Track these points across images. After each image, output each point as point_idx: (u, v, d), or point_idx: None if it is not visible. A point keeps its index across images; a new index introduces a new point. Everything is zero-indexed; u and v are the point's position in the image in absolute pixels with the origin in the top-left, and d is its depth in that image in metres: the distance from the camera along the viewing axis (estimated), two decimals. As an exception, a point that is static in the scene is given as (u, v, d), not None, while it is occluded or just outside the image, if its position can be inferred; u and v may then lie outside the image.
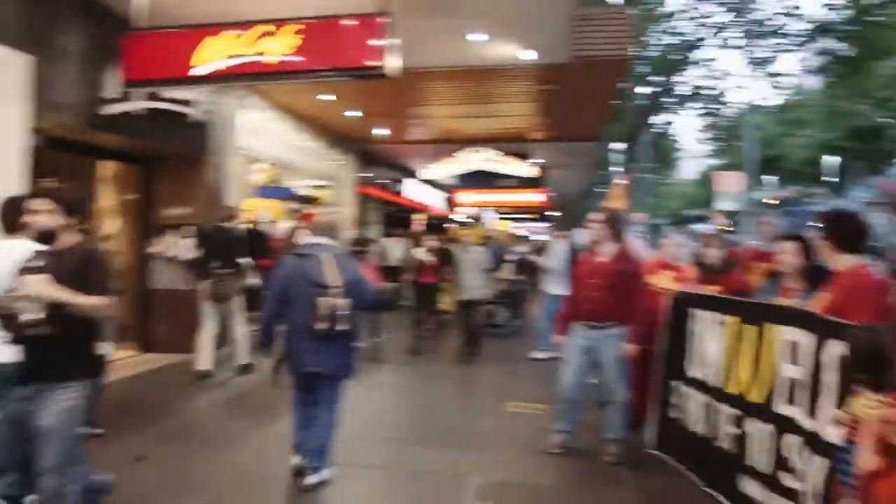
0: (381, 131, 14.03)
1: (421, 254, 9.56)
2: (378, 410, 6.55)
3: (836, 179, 37.43)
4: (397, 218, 21.27)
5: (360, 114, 12.25)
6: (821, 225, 3.56)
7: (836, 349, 3.10)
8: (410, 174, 20.03)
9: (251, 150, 10.73)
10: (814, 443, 3.23)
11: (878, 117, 31.06)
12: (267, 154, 11.37)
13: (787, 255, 4.01)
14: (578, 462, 5.04)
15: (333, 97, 10.90)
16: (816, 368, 3.26)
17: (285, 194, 12.40)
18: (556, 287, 9.24)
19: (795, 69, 21.88)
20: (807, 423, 3.31)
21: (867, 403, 2.52)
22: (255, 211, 10.70)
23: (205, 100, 8.29)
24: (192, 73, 6.16)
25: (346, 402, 4.63)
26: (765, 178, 42.77)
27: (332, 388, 4.51)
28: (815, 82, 26.39)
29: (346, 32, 5.81)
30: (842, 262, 3.45)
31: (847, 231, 3.50)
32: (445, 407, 6.70)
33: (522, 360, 9.01)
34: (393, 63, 5.82)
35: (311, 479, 4.42)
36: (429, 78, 9.72)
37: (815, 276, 3.82)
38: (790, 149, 38.22)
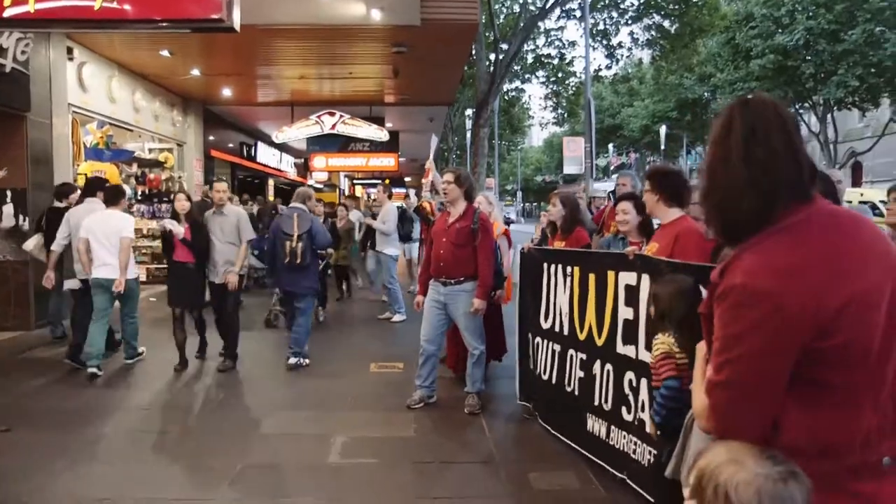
0: (227, 92, 13.45)
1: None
2: (245, 378, 6.47)
3: (666, 147, 40.78)
4: (250, 184, 20.63)
5: (199, 73, 11.66)
6: (649, 182, 3.91)
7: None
8: (262, 137, 19.40)
9: (84, 109, 9.94)
10: (648, 375, 3.59)
11: (701, 90, 34.03)
12: (102, 113, 10.56)
13: (626, 214, 4.40)
14: (439, 414, 5.26)
15: (172, 53, 10.29)
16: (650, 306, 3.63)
17: (124, 157, 11.62)
18: (390, 248, 9.51)
19: (629, 42, 23.55)
20: (645, 357, 3.65)
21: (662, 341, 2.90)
22: (89, 175, 9.95)
23: (19, 48, 7.55)
24: (-5, 15, 5.42)
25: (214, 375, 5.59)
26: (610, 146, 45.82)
27: (302, 301, 6.75)
28: (646, 56, 28.32)
29: (183, -19, 5.51)
30: (668, 214, 3.84)
31: (672, 186, 3.88)
32: (309, 372, 6.70)
33: (382, 322, 9.21)
34: (235, 16, 5.61)
35: (291, 361, 6.68)
36: (276, 35, 9.45)
37: (651, 229, 4.25)
38: (627, 118, 41.01)
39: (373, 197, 33.62)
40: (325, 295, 9.35)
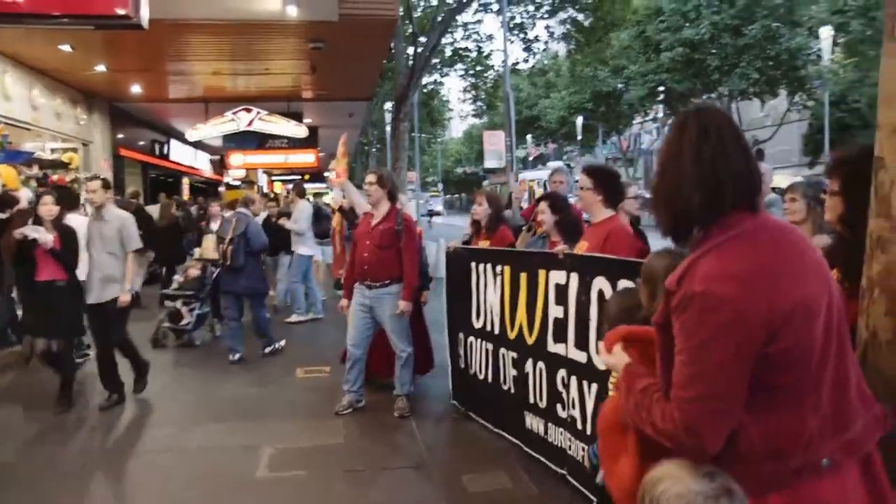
0: (135, 88, 12.85)
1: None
2: (167, 392, 6.16)
3: (583, 137, 41.82)
4: (163, 182, 19.82)
5: (104, 68, 11.05)
6: (592, 180, 3.89)
7: (598, 286, 3.50)
8: (175, 135, 18.66)
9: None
10: (582, 373, 3.64)
11: (615, 83, 35.04)
12: (-5, 112, 9.88)
13: (542, 214, 4.45)
14: (368, 419, 5.18)
15: (73, 48, 9.72)
16: (581, 305, 3.66)
17: (22, 158, 10.90)
18: (304, 248, 9.27)
19: (545, 36, 23.94)
20: (574, 355, 3.72)
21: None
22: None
23: None
24: None
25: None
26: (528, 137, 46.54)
27: (250, 299, 7.26)
28: (562, 49, 28.87)
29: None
30: (602, 213, 3.89)
31: (613, 187, 3.95)
32: (233, 379, 6.50)
33: (308, 325, 9.03)
34: (143, 12, 5.35)
35: (264, 349, 7.27)
36: (187, 31, 9.08)
37: (569, 228, 4.31)
38: (544, 109, 41.78)
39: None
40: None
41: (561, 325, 3.90)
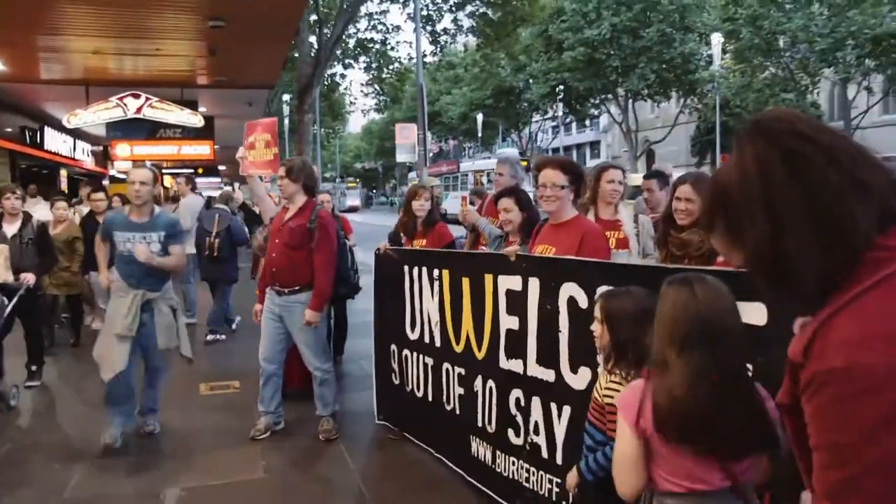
0: None
1: None
2: (39, 418, 5.21)
3: (483, 134, 41.99)
4: (36, 174, 17.93)
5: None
6: (568, 177, 3.41)
7: (568, 293, 3.04)
8: (51, 121, 16.86)
9: None
10: (548, 393, 3.17)
11: (516, 80, 35.35)
12: None
13: (509, 213, 3.95)
14: (291, 444, 4.50)
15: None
16: (546, 315, 3.18)
17: None
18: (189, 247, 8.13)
19: (451, 29, 23.62)
20: (537, 373, 3.24)
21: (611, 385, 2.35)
22: None
23: None
24: None
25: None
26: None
27: (224, 286, 7.75)
28: (471, 42, 28.71)
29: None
30: (569, 212, 3.44)
31: (581, 183, 3.53)
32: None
33: (200, 329, 8.13)
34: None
35: (208, 337, 7.50)
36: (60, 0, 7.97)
37: (530, 228, 3.84)
38: (446, 105, 41.61)
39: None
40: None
41: (516, 337, 3.42)
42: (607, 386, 2.33)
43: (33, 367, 5.95)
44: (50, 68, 11.83)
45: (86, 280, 7.34)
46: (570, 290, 3.05)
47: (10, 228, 5.72)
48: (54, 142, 17.78)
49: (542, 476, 3.21)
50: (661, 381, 1.85)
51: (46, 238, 5.93)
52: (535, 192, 3.53)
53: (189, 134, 14.51)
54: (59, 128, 16.65)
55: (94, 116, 12.26)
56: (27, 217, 5.84)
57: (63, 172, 19.78)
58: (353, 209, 50.28)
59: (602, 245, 3.28)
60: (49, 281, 6.81)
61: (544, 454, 3.20)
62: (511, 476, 3.45)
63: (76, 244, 7.09)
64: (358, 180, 69.15)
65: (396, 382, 4.60)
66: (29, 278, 5.36)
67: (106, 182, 22.63)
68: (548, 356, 3.18)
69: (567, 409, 3.05)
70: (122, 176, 22.09)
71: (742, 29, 23.02)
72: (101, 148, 20.45)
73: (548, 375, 3.18)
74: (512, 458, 3.44)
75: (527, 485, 3.31)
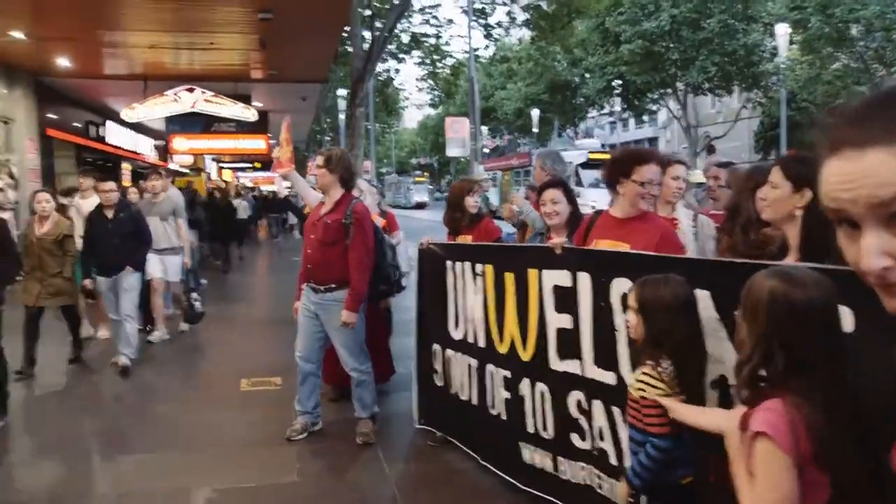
0: (64, 61, 11.64)
1: None
2: (81, 411, 5.21)
3: (538, 130, 41.36)
4: (100, 168, 18.45)
5: (22, 35, 9.85)
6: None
7: (619, 289, 2.80)
8: (113, 116, 17.32)
9: None
10: (610, 396, 2.94)
11: (571, 75, 34.74)
12: None
13: (557, 204, 3.74)
14: (327, 447, 4.34)
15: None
16: (600, 313, 2.96)
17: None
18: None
19: (505, 22, 23.27)
20: (595, 375, 3.01)
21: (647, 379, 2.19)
22: None
23: None
24: None
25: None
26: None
27: None
28: (525, 36, 28.31)
29: None
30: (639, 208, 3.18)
31: None
32: (164, 394, 5.57)
33: (250, 321, 8.14)
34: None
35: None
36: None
37: (576, 223, 3.61)
38: (500, 101, 41.19)
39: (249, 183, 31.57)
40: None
41: (569, 336, 3.18)
42: (640, 378, 2.18)
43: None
44: (111, 64, 12.11)
45: (86, 286, 6.22)
46: (620, 285, 2.82)
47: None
48: (117, 136, 18.26)
49: (613, 484, 2.96)
50: (812, 400, 1.51)
51: (6, 236, 4.84)
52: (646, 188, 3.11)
53: (244, 128, 14.65)
54: (121, 122, 17.10)
55: (151, 111, 12.50)
56: None
57: (126, 166, 20.31)
58: (420, 205, 46.23)
59: (681, 246, 3.02)
60: (38, 290, 5.91)
61: (612, 460, 2.96)
62: (582, 482, 3.19)
63: (67, 243, 6.09)
64: (427, 174, 65.92)
65: (439, 384, 4.38)
66: None
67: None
68: (606, 357, 2.94)
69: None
70: (183, 169, 22.70)
71: (811, 17, 21.93)
72: (163, 142, 20.97)
73: (607, 378, 2.96)
74: (581, 464, 3.19)
75: (600, 492, 3.07)
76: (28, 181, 11.78)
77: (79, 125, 15.88)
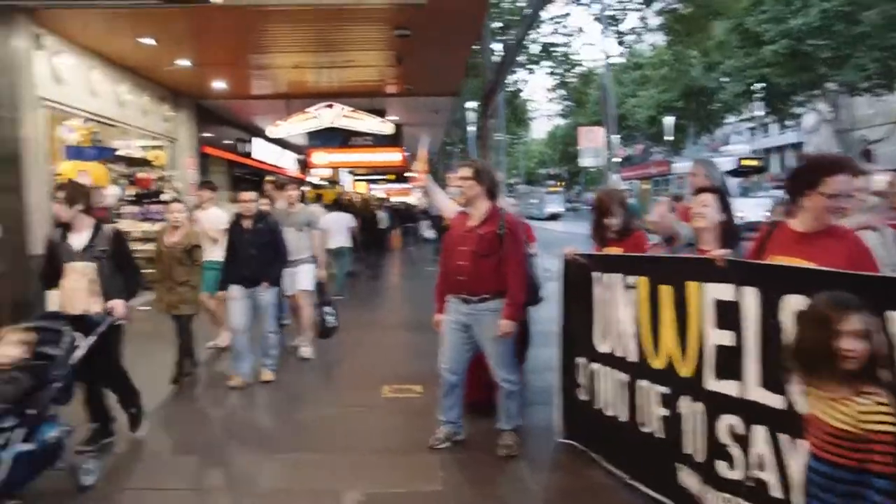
0: (219, 84, 12.60)
1: None
2: (234, 408, 5.54)
3: (672, 138, 39.75)
4: (246, 181, 19.78)
5: (188, 63, 10.80)
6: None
7: (793, 306, 2.62)
8: (258, 133, 18.54)
9: (60, 103, 9.07)
10: (776, 422, 2.75)
11: (707, 80, 33.11)
12: (81, 108, 9.70)
13: (707, 209, 3.55)
14: (469, 457, 4.31)
15: (153, 41, 9.41)
16: (770, 331, 2.77)
17: (106, 155, 10.76)
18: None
19: (639, 28, 22.55)
20: (759, 397, 2.82)
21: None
22: (69, 175, 9.07)
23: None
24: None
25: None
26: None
27: None
28: (658, 41, 27.35)
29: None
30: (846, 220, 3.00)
31: None
32: (311, 398, 5.79)
33: (392, 328, 8.33)
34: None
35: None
36: (267, 18, 8.59)
37: (731, 234, 3.39)
38: (631, 108, 39.99)
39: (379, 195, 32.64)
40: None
41: (729, 355, 2.98)
42: (869, 409, 1.97)
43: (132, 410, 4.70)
44: (259, 84, 12.95)
45: (215, 298, 6.47)
46: (794, 302, 2.60)
47: (79, 238, 4.37)
48: (262, 151, 19.51)
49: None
50: None
51: (124, 248, 4.55)
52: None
53: (380, 142, 15.15)
54: (266, 138, 18.24)
55: (294, 127, 13.21)
56: (99, 222, 4.50)
57: (269, 178, 21.61)
58: (554, 216, 44.53)
59: (875, 263, 2.75)
60: (168, 299, 6.06)
61: (775, 492, 2.73)
62: None
63: (196, 253, 6.17)
64: (562, 184, 63.51)
65: (584, 399, 4.25)
66: (116, 308, 4.22)
67: (305, 188, 24.56)
68: (775, 379, 2.72)
69: (803, 443, 2.57)
70: (321, 183, 23.82)
71: None
72: (303, 158, 22.17)
73: (774, 401, 2.74)
74: (725, 495, 2.98)
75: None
76: (188, 195, 12.80)
77: (229, 142, 17.10)
